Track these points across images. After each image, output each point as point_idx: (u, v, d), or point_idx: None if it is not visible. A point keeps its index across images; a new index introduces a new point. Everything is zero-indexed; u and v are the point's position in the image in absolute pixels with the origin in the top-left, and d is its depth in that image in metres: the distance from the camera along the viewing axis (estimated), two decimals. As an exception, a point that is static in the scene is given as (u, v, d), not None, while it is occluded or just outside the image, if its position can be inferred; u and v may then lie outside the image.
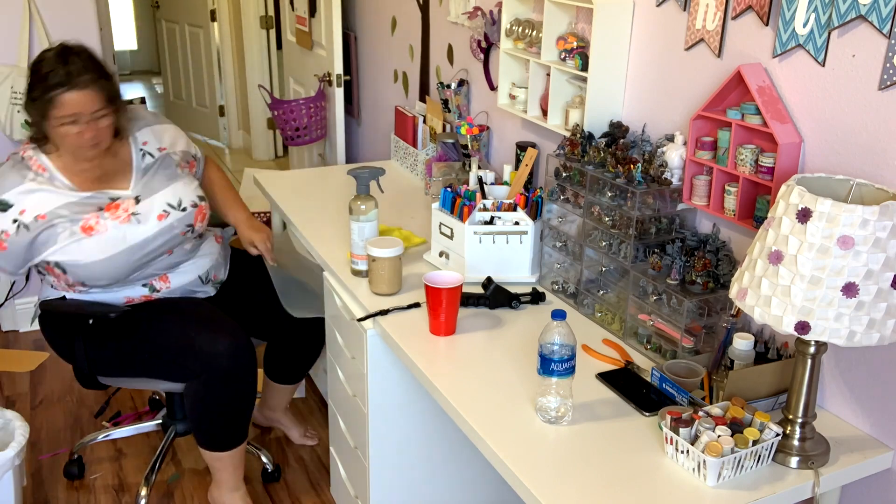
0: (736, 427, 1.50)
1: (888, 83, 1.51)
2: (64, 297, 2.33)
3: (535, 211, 2.22)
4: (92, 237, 2.21)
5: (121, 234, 2.24)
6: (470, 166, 2.64)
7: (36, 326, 3.73)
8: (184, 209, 2.35)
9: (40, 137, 2.21)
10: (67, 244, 2.20)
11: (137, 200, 2.29)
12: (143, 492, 2.53)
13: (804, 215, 1.35)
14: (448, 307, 1.93)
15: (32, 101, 2.13)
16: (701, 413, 1.53)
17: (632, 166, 1.93)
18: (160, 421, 2.75)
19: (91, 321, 2.30)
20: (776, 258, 1.39)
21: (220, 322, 2.27)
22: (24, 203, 2.17)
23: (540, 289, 2.17)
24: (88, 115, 2.12)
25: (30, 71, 2.15)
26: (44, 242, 2.19)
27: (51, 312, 2.35)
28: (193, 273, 2.43)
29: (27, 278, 3.69)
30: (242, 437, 2.36)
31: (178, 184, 2.38)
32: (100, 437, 2.81)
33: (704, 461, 1.44)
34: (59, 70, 2.08)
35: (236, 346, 2.22)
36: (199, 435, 2.35)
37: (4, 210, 2.16)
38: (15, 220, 2.17)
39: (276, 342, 2.60)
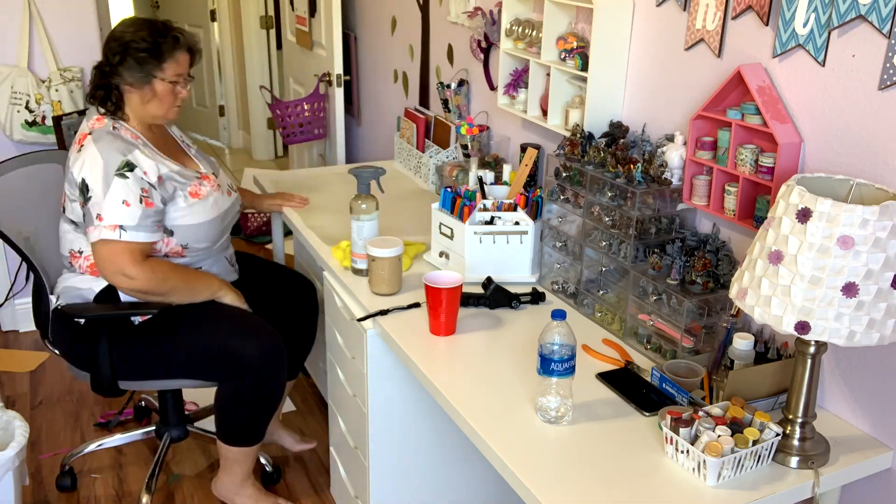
0: (736, 427, 1.50)
1: (888, 83, 1.51)
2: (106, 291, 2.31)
3: (535, 211, 2.22)
4: (199, 201, 2.33)
5: (214, 201, 2.37)
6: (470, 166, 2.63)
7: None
8: (236, 190, 2.57)
9: (113, 109, 2.29)
10: (184, 206, 2.29)
11: (216, 175, 2.46)
12: (145, 499, 2.50)
13: (804, 215, 1.35)
14: (448, 307, 1.93)
15: (147, 56, 2.24)
16: (701, 413, 1.53)
17: (632, 166, 1.93)
18: (154, 428, 2.71)
19: (137, 321, 2.31)
20: (776, 258, 1.39)
21: (259, 326, 2.33)
22: (142, 165, 2.23)
23: (540, 289, 2.17)
24: (185, 75, 2.33)
25: (139, 30, 2.25)
26: (167, 203, 2.28)
27: (72, 317, 2.31)
28: (227, 253, 2.55)
29: (27, 278, 3.69)
30: (263, 434, 2.44)
31: (220, 169, 2.56)
32: (92, 447, 2.76)
33: (704, 461, 1.44)
34: (174, 32, 2.28)
35: (273, 351, 2.29)
36: (224, 430, 2.41)
37: (132, 170, 2.20)
38: (144, 180, 2.23)
39: None
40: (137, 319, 2.31)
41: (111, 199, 2.17)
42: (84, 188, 2.19)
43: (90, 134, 2.25)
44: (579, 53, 2.17)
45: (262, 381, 2.29)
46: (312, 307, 2.67)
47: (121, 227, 2.17)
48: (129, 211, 2.17)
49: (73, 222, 2.31)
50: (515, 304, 2.09)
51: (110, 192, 2.17)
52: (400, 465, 2.20)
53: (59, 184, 2.56)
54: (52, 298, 2.39)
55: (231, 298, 2.41)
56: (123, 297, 2.32)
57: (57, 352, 2.49)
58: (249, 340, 2.26)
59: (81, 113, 3.08)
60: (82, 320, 2.29)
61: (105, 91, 2.29)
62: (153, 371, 2.36)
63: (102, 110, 2.30)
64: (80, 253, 2.32)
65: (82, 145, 2.24)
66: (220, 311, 2.36)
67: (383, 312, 2.05)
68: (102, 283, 2.31)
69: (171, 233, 2.30)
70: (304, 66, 4.21)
